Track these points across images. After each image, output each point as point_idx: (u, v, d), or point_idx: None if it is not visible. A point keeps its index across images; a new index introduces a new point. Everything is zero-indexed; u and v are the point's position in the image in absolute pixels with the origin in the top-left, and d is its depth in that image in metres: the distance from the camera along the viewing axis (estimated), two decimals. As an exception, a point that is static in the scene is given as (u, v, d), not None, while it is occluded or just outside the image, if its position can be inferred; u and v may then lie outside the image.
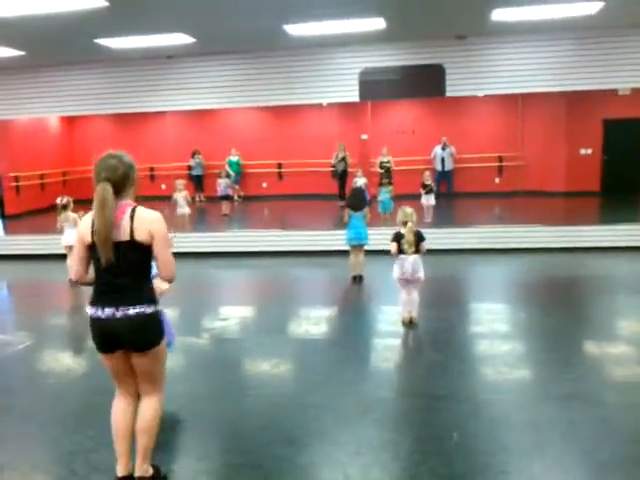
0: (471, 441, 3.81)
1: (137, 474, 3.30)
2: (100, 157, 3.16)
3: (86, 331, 3.28)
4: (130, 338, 3.13)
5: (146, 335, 3.17)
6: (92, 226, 3.07)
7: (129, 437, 3.32)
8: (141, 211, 3.11)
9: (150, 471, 3.34)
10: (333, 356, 5.50)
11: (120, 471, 3.31)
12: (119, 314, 3.08)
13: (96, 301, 3.15)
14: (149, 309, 3.14)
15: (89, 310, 3.16)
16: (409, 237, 6.00)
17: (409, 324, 6.13)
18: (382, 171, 14.35)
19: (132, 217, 3.07)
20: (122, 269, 3.09)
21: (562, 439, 3.78)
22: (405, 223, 6.06)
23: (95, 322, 3.15)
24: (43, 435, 4.15)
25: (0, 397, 4.83)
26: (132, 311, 3.09)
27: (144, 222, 3.08)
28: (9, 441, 4.08)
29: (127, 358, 3.22)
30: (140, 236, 3.07)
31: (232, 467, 3.63)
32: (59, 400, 4.73)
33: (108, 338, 3.15)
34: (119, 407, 3.34)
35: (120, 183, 3.11)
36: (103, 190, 3.04)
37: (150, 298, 3.18)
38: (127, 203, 3.13)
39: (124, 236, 3.05)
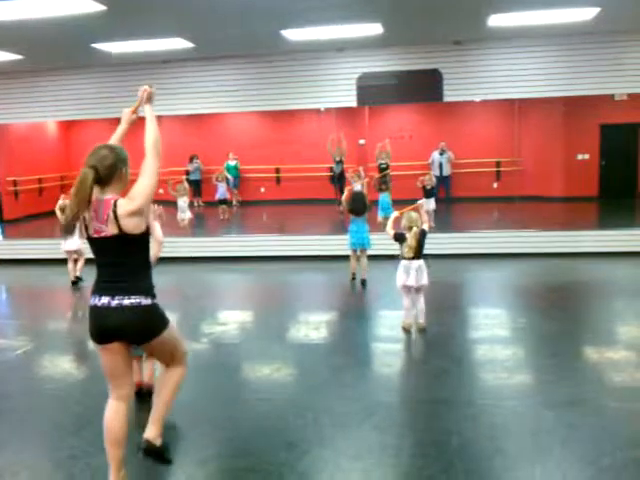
0: (471, 446, 3.81)
1: (146, 435, 3.26)
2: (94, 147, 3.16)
3: (86, 336, 3.27)
4: (127, 331, 3.10)
5: (143, 328, 3.14)
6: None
7: (122, 443, 3.24)
8: (121, 201, 3.06)
9: (159, 441, 3.28)
10: (333, 361, 5.48)
11: None
12: (114, 303, 3.07)
13: (95, 291, 3.16)
14: (145, 301, 3.11)
15: (89, 300, 3.18)
16: (412, 242, 5.97)
17: (420, 331, 6.07)
18: (382, 174, 14.18)
19: (115, 211, 3.01)
20: (118, 262, 3.09)
21: (562, 444, 3.78)
22: (410, 228, 6.04)
23: (92, 310, 3.14)
24: (42, 440, 4.14)
25: (-2, 402, 4.82)
26: (127, 301, 3.06)
27: (125, 207, 3.03)
28: (8, 446, 4.06)
29: (122, 351, 3.17)
30: (128, 227, 3.03)
31: (231, 472, 3.62)
32: (58, 405, 4.70)
33: (102, 327, 3.12)
34: (111, 411, 3.25)
35: (107, 173, 3.06)
36: (82, 174, 3.00)
37: (147, 290, 3.15)
38: (111, 197, 3.07)
39: (113, 230, 3.03)
